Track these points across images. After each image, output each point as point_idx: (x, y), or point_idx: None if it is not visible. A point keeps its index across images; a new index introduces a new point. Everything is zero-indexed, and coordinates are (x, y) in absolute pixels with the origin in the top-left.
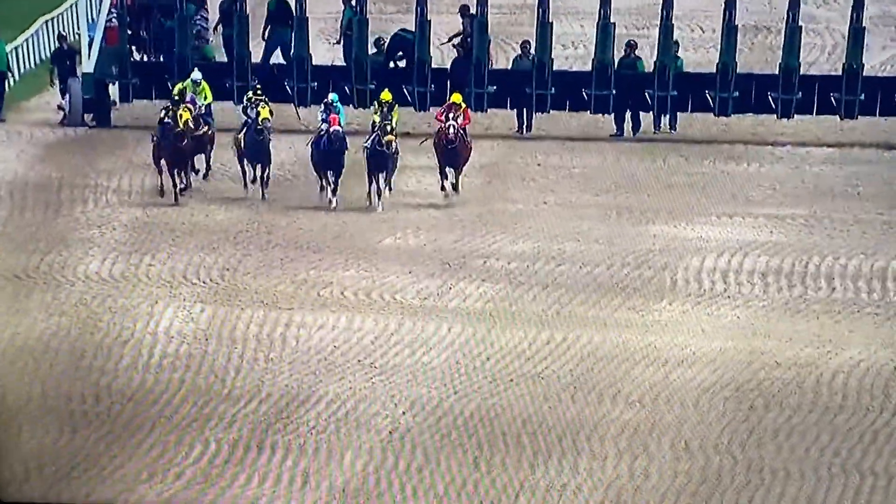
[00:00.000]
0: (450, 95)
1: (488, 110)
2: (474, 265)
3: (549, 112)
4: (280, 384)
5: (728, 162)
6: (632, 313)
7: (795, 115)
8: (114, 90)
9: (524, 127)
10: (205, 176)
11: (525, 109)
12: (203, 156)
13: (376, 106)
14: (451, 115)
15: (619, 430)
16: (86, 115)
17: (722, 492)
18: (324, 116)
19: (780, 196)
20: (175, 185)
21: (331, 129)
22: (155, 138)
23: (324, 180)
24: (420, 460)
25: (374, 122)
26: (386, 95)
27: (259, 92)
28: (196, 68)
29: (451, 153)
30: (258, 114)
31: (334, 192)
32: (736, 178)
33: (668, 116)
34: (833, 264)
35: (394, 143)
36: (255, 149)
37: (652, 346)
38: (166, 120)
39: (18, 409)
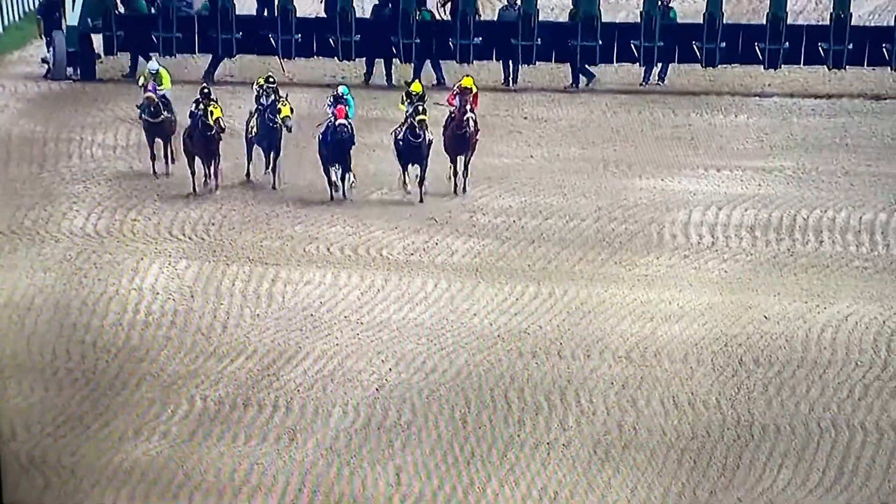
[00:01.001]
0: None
1: (474, 62)
2: (460, 220)
3: (535, 64)
4: (266, 341)
5: (715, 114)
6: (619, 268)
7: (783, 66)
8: (98, 43)
9: (510, 79)
10: (169, 164)
11: (511, 61)
12: (164, 144)
13: (404, 97)
14: (465, 102)
15: (608, 385)
16: (70, 69)
17: (711, 448)
18: (331, 108)
19: (768, 148)
20: (206, 176)
21: (337, 122)
22: (185, 131)
23: (331, 173)
24: (407, 417)
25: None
26: (416, 87)
27: (272, 80)
28: (153, 57)
29: (461, 140)
30: (274, 103)
31: (338, 184)
32: (723, 131)
33: (658, 68)
34: (821, 217)
35: (427, 131)
36: (268, 136)
37: (639, 300)
38: (197, 113)
39: (3, 366)
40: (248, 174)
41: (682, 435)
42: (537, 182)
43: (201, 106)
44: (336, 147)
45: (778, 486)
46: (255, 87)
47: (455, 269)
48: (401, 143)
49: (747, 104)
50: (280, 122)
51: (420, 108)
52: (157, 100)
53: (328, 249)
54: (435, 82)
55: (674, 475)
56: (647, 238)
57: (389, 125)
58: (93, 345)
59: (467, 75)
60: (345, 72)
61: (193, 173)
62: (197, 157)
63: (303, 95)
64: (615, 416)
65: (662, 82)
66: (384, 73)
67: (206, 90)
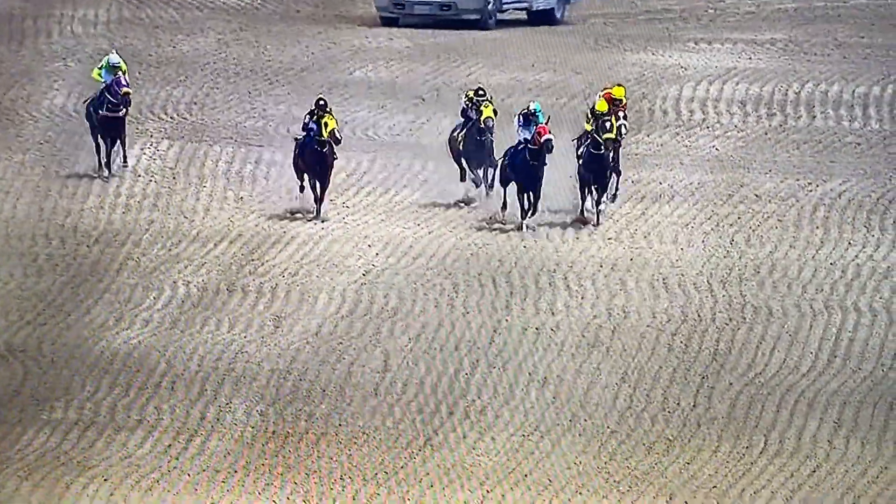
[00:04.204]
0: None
1: None
2: (449, 98)
3: None
4: (250, 224)
5: None
6: None
7: None
8: None
9: None
10: (124, 160)
11: None
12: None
13: (588, 115)
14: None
15: (596, 268)
16: None
17: (702, 331)
18: (521, 128)
19: (759, 20)
20: (316, 197)
21: (544, 139)
22: (297, 144)
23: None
24: (394, 302)
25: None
26: (604, 105)
27: (481, 92)
28: (113, 51)
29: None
30: (481, 112)
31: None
32: (714, 2)
33: None
34: (813, 91)
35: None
36: (476, 150)
37: (629, 179)
38: (311, 125)
39: None
40: (462, 178)
41: (672, 318)
42: (527, 57)
43: (315, 118)
44: (530, 172)
45: (770, 369)
46: (463, 99)
47: (442, 150)
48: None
49: None
50: (484, 123)
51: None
52: (130, 94)
53: None
54: None
55: (664, 360)
56: (638, 115)
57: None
58: (73, 229)
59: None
60: None
61: (302, 189)
62: (308, 176)
63: None
64: (604, 300)
65: None
66: None
67: (322, 101)
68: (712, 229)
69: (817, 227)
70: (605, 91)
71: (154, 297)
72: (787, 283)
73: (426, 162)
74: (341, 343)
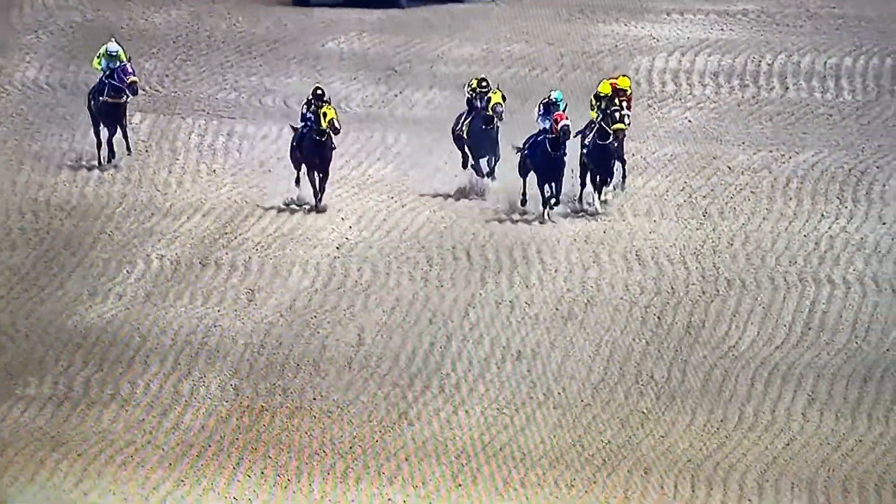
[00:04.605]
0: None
1: None
2: (421, 70)
3: None
4: (223, 198)
5: None
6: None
7: None
8: None
9: None
10: (128, 149)
11: None
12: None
13: (593, 101)
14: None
15: (570, 241)
16: None
17: (676, 304)
18: (541, 117)
19: None
20: (315, 191)
21: (561, 124)
22: (294, 134)
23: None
24: (368, 276)
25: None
26: (608, 87)
27: (484, 83)
28: (112, 39)
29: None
30: (489, 100)
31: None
32: None
33: None
34: (786, 62)
35: (500, 114)
36: (482, 140)
37: None
38: (308, 115)
39: None
40: (465, 166)
41: (645, 291)
42: (499, 29)
43: (313, 108)
44: (552, 162)
45: (744, 342)
46: (466, 88)
47: (415, 122)
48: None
49: None
50: (492, 110)
51: (617, 115)
52: (137, 83)
53: (284, 102)
54: None
55: (638, 332)
56: None
57: None
58: (46, 203)
59: (624, 75)
60: None
61: (297, 183)
62: (305, 167)
63: None
64: (578, 273)
65: None
66: None
67: (319, 90)
68: (685, 201)
69: (790, 199)
70: (610, 81)
71: (127, 271)
72: (760, 255)
73: (399, 134)
74: (315, 317)
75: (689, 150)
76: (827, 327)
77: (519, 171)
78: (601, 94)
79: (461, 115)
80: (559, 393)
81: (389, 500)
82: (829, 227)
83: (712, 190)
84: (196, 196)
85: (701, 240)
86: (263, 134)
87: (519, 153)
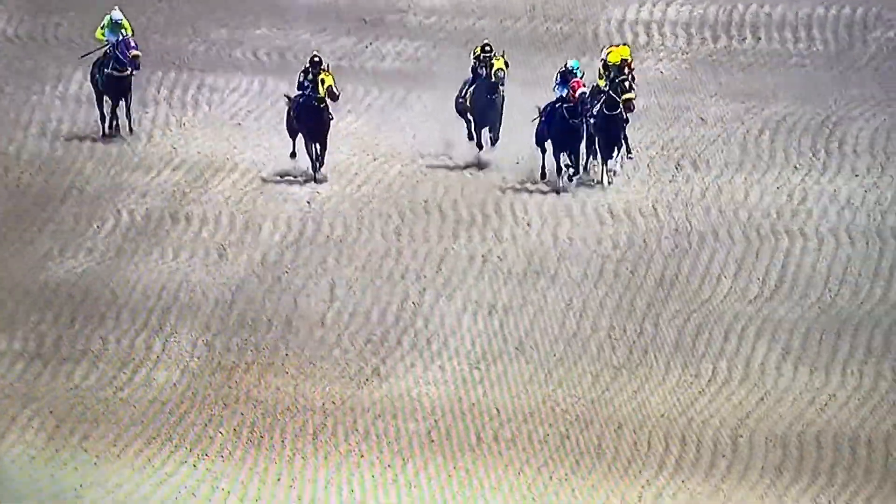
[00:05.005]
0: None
1: None
2: (391, 21)
3: None
4: (193, 151)
5: None
6: (553, 71)
7: None
8: None
9: None
10: (129, 122)
11: None
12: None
13: (601, 70)
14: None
15: (542, 196)
16: None
17: (649, 257)
18: (559, 87)
19: None
20: (313, 162)
21: (578, 92)
22: (291, 104)
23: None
24: (340, 231)
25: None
26: (617, 56)
27: (488, 48)
28: (116, 8)
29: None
30: (492, 66)
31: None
32: None
33: None
34: (758, 12)
35: (502, 80)
36: (487, 109)
37: None
38: (305, 83)
39: None
40: (470, 137)
41: (618, 245)
42: None
43: (311, 76)
44: (568, 130)
45: (717, 296)
46: (471, 56)
47: (386, 75)
48: (595, 118)
49: None
50: (496, 76)
51: (627, 84)
52: (139, 56)
53: (254, 55)
54: None
55: (610, 287)
56: (582, 38)
57: None
58: (16, 157)
59: (624, 44)
60: None
61: (293, 156)
62: (303, 137)
63: None
64: (550, 227)
65: None
66: None
67: (316, 58)
68: (658, 153)
69: (763, 151)
70: (609, 50)
71: (98, 226)
72: (733, 208)
73: (370, 87)
74: (287, 272)
75: (661, 101)
76: (800, 281)
77: (536, 140)
78: (610, 63)
79: (465, 83)
80: (532, 348)
81: (362, 456)
82: (802, 180)
83: (685, 142)
84: (166, 149)
85: (673, 193)
86: (233, 86)
87: (536, 120)
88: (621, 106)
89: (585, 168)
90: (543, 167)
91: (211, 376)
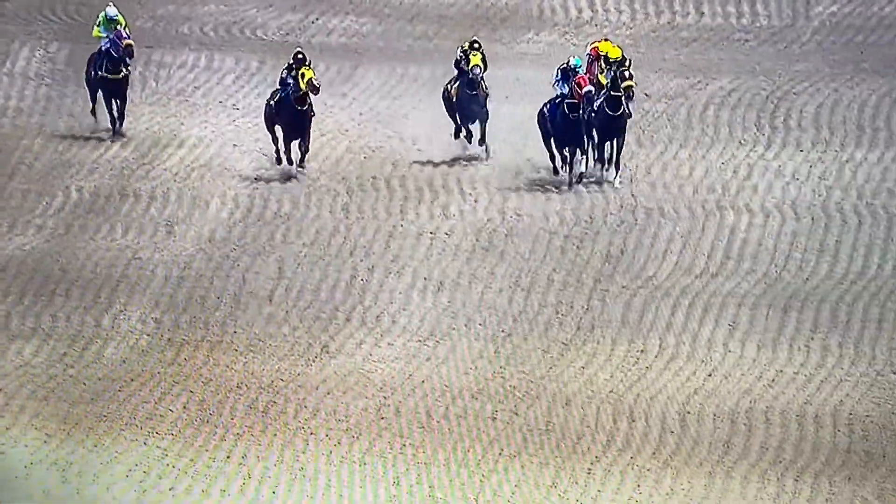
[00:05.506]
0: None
1: None
2: None
3: None
4: (141, 127)
5: None
6: (499, 46)
7: None
8: None
9: None
10: (120, 121)
11: None
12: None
13: (602, 64)
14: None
15: (489, 171)
16: None
17: (595, 233)
18: (559, 83)
19: None
20: (290, 158)
21: (585, 90)
22: (271, 100)
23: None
24: (287, 207)
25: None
26: (618, 52)
27: (476, 45)
28: (111, 3)
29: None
30: (469, 62)
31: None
32: None
33: None
34: None
35: (479, 77)
36: (470, 105)
37: (520, 80)
38: (288, 79)
39: None
40: (457, 135)
41: (564, 221)
42: None
43: (293, 72)
44: (570, 125)
45: (663, 272)
46: (458, 51)
47: (333, 50)
48: (596, 114)
49: None
50: (472, 72)
51: (626, 73)
52: (132, 45)
53: (201, 30)
54: None
55: (557, 262)
56: (527, 13)
57: None
58: None
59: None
60: None
61: (279, 162)
62: (282, 133)
63: None
64: (497, 203)
65: None
66: None
67: (300, 54)
68: None
69: (707, 127)
70: (592, 47)
71: (47, 203)
72: (678, 183)
73: (316, 63)
74: (235, 249)
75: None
76: (746, 256)
77: (543, 141)
78: (611, 59)
79: (451, 79)
80: (480, 324)
81: (312, 433)
82: (747, 155)
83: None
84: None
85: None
86: (180, 62)
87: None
88: (622, 96)
89: (603, 160)
90: (555, 167)
91: (160, 353)
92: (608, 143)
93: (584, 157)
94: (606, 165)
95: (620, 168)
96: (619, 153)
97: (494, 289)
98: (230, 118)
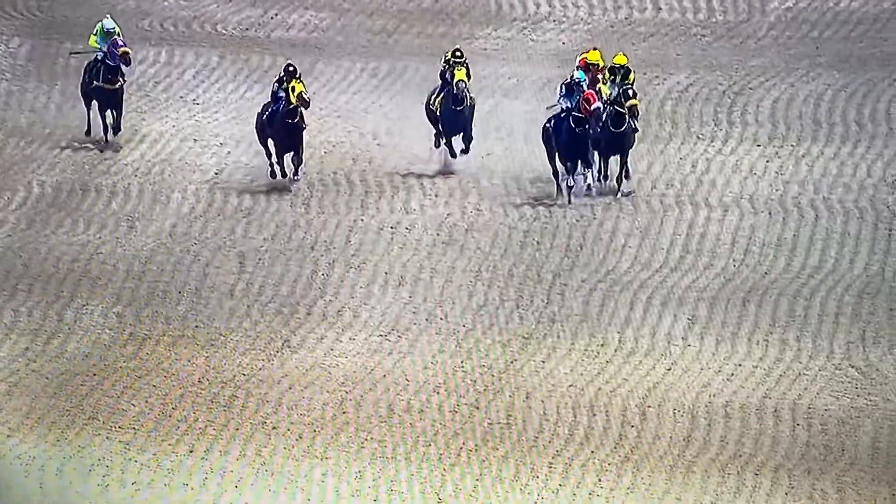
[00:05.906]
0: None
1: None
2: None
3: None
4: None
5: None
6: (458, 41)
7: None
8: None
9: None
10: (115, 130)
11: None
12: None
13: (606, 74)
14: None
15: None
16: None
17: (554, 227)
18: (563, 98)
19: None
20: (284, 172)
21: (593, 107)
22: (263, 114)
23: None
24: (248, 203)
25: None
26: (623, 59)
27: (458, 54)
28: (108, 16)
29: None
30: (453, 76)
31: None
32: None
33: None
34: None
35: (463, 91)
36: (455, 119)
37: (477, 75)
38: (280, 94)
39: None
40: (437, 144)
41: (524, 215)
42: None
43: (284, 86)
44: (577, 140)
45: (622, 266)
46: (441, 62)
47: (292, 45)
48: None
49: None
50: (457, 87)
51: (630, 91)
52: (129, 53)
53: (161, 25)
54: None
55: (517, 257)
56: (485, 9)
57: None
58: None
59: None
60: None
61: (273, 175)
62: (274, 146)
63: None
64: (457, 198)
65: None
66: None
67: (291, 67)
68: None
69: (665, 122)
70: (581, 58)
71: (8, 198)
72: (637, 178)
73: (276, 58)
74: (196, 244)
75: (564, 72)
76: (705, 250)
77: (548, 158)
78: (617, 66)
79: (434, 90)
80: (441, 318)
81: (274, 427)
82: (705, 150)
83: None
84: (75, 121)
85: None
86: (140, 57)
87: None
88: (627, 114)
89: (606, 175)
90: (559, 185)
91: (122, 348)
92: (612, 157)
93: (590, 170)
94: (615, 179)
95: (631, 175)
96: (622, 166)
97: (455, 283)
98: (191, 113)
